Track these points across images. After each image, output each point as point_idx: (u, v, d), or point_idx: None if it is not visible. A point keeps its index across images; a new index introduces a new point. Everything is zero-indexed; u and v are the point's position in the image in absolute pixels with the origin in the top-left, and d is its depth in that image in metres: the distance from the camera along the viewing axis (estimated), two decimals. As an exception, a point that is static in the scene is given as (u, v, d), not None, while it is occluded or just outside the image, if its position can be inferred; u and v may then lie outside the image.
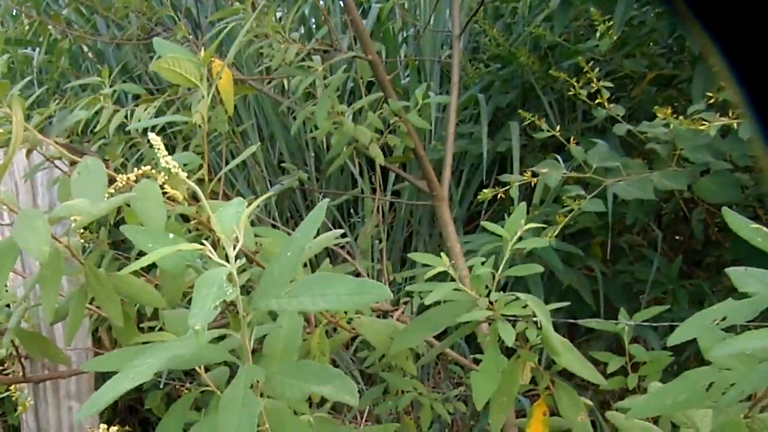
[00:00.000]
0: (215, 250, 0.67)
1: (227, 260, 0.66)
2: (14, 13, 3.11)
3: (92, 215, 0.79)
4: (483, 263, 0.94)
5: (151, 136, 0.69)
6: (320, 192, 2.48)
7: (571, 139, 1.86)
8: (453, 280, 0.91)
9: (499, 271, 0.93)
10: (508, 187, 1.84)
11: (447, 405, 1.61)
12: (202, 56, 0.91)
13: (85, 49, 2.88)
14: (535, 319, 0.95)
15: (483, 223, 0.99)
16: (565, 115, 2.60)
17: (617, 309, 2.25)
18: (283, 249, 0.71)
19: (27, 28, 2.94)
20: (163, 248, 0.63)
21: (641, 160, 2.05)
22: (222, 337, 0.73)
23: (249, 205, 0.72)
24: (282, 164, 2.18)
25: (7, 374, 1.28)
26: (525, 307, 0.90)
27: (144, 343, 0.81)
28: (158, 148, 0.67)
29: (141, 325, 1.45)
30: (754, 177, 1.89)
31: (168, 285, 0.89)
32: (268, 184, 2.60)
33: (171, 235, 0.71)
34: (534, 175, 1.84)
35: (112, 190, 0.87)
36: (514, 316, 0.90)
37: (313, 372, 0.66)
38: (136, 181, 0.86)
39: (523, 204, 0.97)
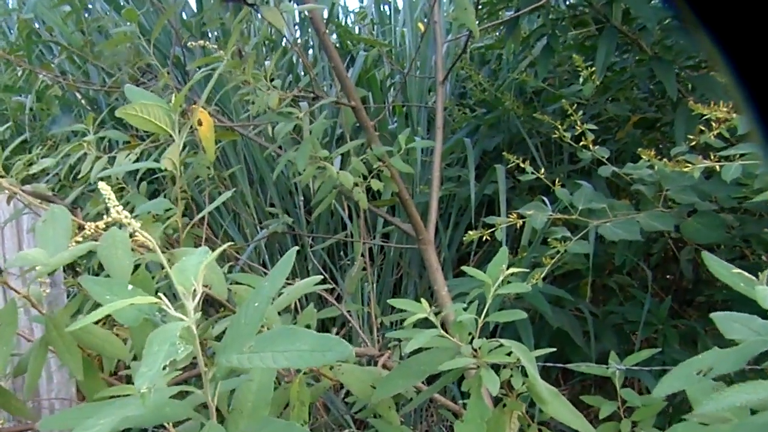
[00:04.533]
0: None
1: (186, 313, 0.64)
2: (7, 60, 3.14)
3: (49, 265, 0.77)
4: (466, 309, 0.93)
5: (101, 185, 0.67)
6: (309, 236, 2.48)
7: (556, 182, 1.87)
8: (435, 326, 0.90)
9: (482, 317, 0.92)
10: (494, 229, 1.84)
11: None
12: (173, 102, 0.91)
13: (78, 96, 2.91)
14: (520, 365, 0.93)
15: (464, 268, 0.99)
16: (551, 158, 2.63)
17: (609, 350, 2.24)
18: (251, 299, 0.69)
19: (19, 74, 2.97)
20: (117, 302, 0.61)
21: (628, 201, 2.06)
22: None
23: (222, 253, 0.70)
24: (270, 210, 2.18)
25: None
26: (510, 354, 0.89)
27: (111, 397, 0.79)
28: (108, 198, 0.66)
29: (119, 373, 1.43)
30: (740, 217, 1.90)
31: (135, 335, 0.87)
32: (258, 228, 2.60)
33: (130, 287, 0.69)
34: (520, 217, 1.84)
35: (80, 238, 0.86)
36: (499, 363, 0.89)
37: (274, 428, 0.64)
38: (105, 229, 0.85)
39: (505, 248, 0.97)
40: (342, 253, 2.66)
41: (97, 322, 0.97)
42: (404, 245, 2.18)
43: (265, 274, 1.99)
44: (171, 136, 0.90)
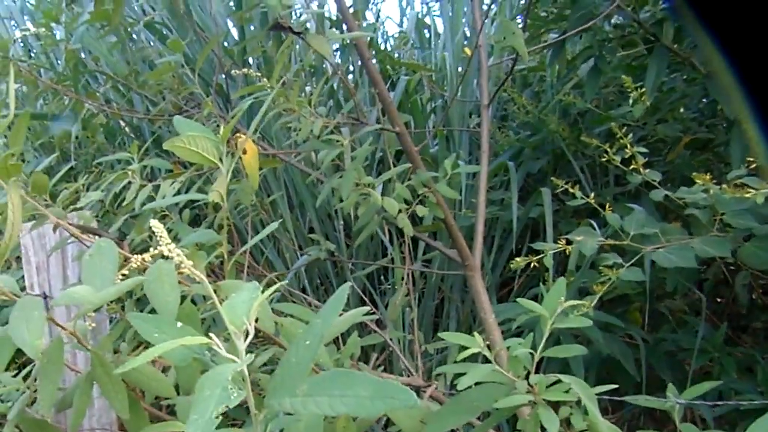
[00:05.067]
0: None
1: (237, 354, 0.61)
2: (55, 90, 3.21)
3: (94, 303, 0.76)
4: (520, 343, 0.89)
5: (153, 224, 0.65)
6: (349, 261, 2.45)
7: (607, 206, 1.81)
8: (488, 360, 0.86)
9: (539, 351, 0.88)
10: (542, 256, 1.79)
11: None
12: (222, 133, 0.90)
13: (123, 124, 2.95)
14: (578, 400, 0.88)
15: (519, 300, 0.94)
16: (597, 180, 2.57)
17: (661, 378, 2.16)
18: (302, 337, 0.66)
19: (66, 103, 3.03)
20: (167, 342, 0.58)
21: (678, 225, 1.99)
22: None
23: (269, 284, 0.67)
24: (311, 233, 2.17)
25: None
26: (568, 391, 0.84)
27: (156, 434, 0.76)
28: (160, 236, 0.64)
29: (162, 403, 1.41)
30: (801, 242, 1.82)
31: (181, 373, 0.85)
32: (298, 254, 2.58)
33: (179, 324, 0.67)
34: (568, 242, 1.78)
35: (126, 272, 0.84)
36: (558, 400, 0.84)
37: None
38: (152, 261, 0.83)
39: (563, 279, 0.93)
40: (383, 277, 2.63)
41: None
42: (446, 271, 2.14)
43: (306, 301, 1.97)
44: (215, 166, 0.89)
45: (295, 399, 0.58)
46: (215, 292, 0.84)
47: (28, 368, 1.21)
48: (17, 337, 0.76)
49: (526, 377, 0.87)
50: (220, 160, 0.89)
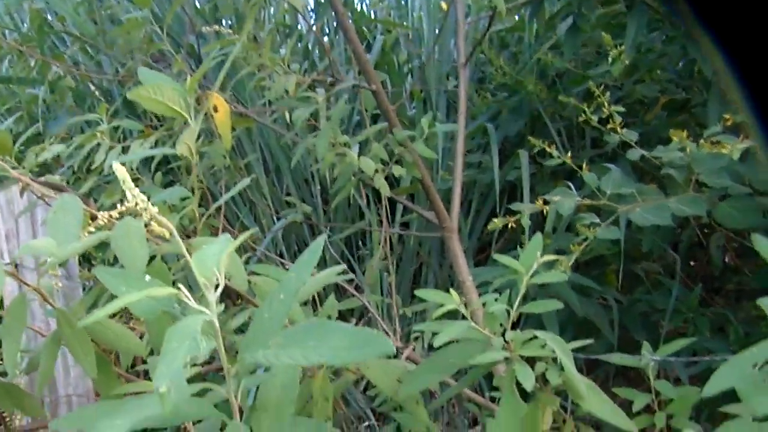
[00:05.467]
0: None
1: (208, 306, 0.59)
2: (20, 52, 3.11)
3: (59, 256, 0.73)
4: (497, 299, 0.88)
5: (115, 166, 0.62)
6: (326, 225, 2.43)
7: (584, 166, 1.81)
8: (465, 317, 0.85)
9: (515, 307, 0.87)
10: (519, 216, 1.78)
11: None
12: (188, 83, 0.86)
13: (92, 87, 2.87)
14: (554, 356, 0.88)
15: (495, 255, 0.93)
16: (573, 143, 2.56)
17: (634, 339, 2.18)
18: (275, 291, 0.64)
19: (32, 66, 2.94)
20: (134, 293, 0.56)
21: (654, 186, 2.00)
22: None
23: (244, 247, 0.65)
24: (287, 199, 2.14)
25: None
26: (544, 346, 0.84)
27: (127, 394, 0.75)
28: (123, 181, 0.61)
29: (137, 368, 1.39)
30: (776, 200, 1.83)
31: (153, 330, 0.82)
32: (275, 218, 2.56)
33: (147, 278, 0.64)
34: (546, 203, 1.78)
35: (93, 229, 0.81)
36: (534, 356, 0.84)
37: (307, 431, 0.59)
38: (119, 218, 0.81)
39: (539, 235, 0.92)
40: (360, 242, 2.61)
41: (112, 316, 0.93)
42: (424, 233, 2.12)
43: (283, 265, 1.95)
44: (186, 121, 0.85)
45: (268, 351, 0.56)
46: (187, 250, 0.82)
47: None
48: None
49: (503, 334, 0.86)
50: (188, 112, 0.86)
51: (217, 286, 0.59)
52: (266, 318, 0.60)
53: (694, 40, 1.87)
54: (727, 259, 2.45)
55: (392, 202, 2.42)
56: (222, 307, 0.58)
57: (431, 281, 2.63)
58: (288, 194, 2.61)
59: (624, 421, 0.87)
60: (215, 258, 0.60)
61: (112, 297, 1.44)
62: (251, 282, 0.89)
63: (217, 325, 0.58)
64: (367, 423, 2.02)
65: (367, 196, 2.55)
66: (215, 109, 1.07)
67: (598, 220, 1.72)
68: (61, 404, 1.80)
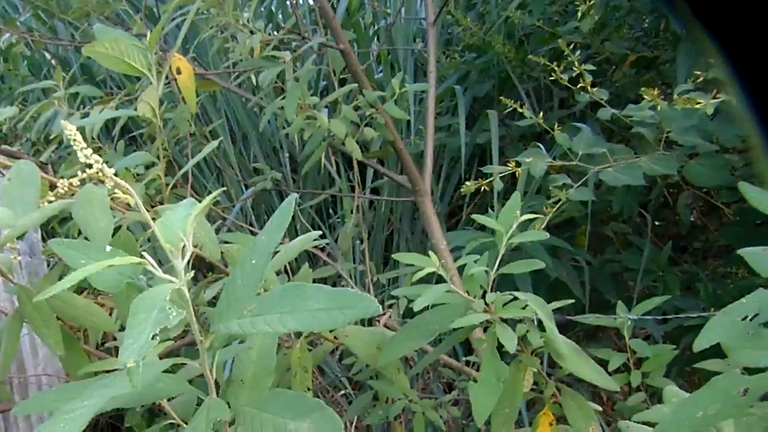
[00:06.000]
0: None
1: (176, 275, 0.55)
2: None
3: (17, 227, 0.68)
4: (476, 261, 0.86)
5: (63, 124, 0.57)
6: (297, 192, 2.39)
7: (556, 126, 1.79)
8: (443, 281, 0.83)
9: (494, 269, 0.85)
10: (491, 179, 1.76)
11: (440, 411, 1.53)
12: (148, 39, 0.81)
13: (47, 56, 2.76)
14: (533, 318, 0.87)
15: (474, 216, 0.91)
16: (542, 104, 2.54)
17: (605, 300, 2.20)
18: (247, 256, 0.61)
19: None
20: (94, 264, 0.52)
21: (623, 146, 1.99)
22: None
23: (214, 218, 0.62)
24: (255, 165, 2.09)
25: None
26: (525, 307, 0.82)
27: (97, 373, 0.71)
28: (74, 140, 0.56)
29: (107, 345, 1.35)
30: (744, 157, 1.84)
31: (121, 305, 0.78)
32: (243, 187, 2.50)
33: (108, 248, 0.60)
34: (518, 164, 1.76)
35: (53, 197, 0.77)
36: (513, 318, 0.82)
37: (288, 403, 0.55)
38: (80, 186, 0.76)
39: (517, 194, 0.89)
40: (331, 210, 2.58)
41: (80, 292, 0.89)
42: (396, 198, 2.10)
43: (254, 233, 1.91)
44: (143, 76, 0.80)
45: (244, 319, 0.53)
46: (153, 220, 0.78)
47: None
48: None
49: (483, 296, 0.84)
50: (149, 70, 0.81)
51: (184, 252, 0.55)
52: (239, 284, 0.57)
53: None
54: (693, 218, 2.48)
55: (362, 168, 2.39)
56: (192, 274, 0.55)
57: (403, 247, 2.61)
58: (256, 162, 2.56)
59: (606, 381, 0.86)
60: (181, 222, 0.56)
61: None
62: (224, 251, 0.85)
63: (187, 293, 0.54)
64: (342, 391, 2.01)
65: (337, 163, 2.51)
66: (178, 72, 1.02)
67: (570, 182, 1.71)
68: (31, 385, 1.74)
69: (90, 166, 0.55)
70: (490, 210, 2.40)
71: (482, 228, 2.49)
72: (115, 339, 1.45)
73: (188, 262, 0.55)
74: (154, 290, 0.51)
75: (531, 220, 1.66)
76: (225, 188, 1.91)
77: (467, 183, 1.73)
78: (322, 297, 0.53)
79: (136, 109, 1.03)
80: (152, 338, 0.46)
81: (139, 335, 0.46)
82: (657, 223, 2.56)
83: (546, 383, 0.90)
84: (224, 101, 2.47)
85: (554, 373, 0.93)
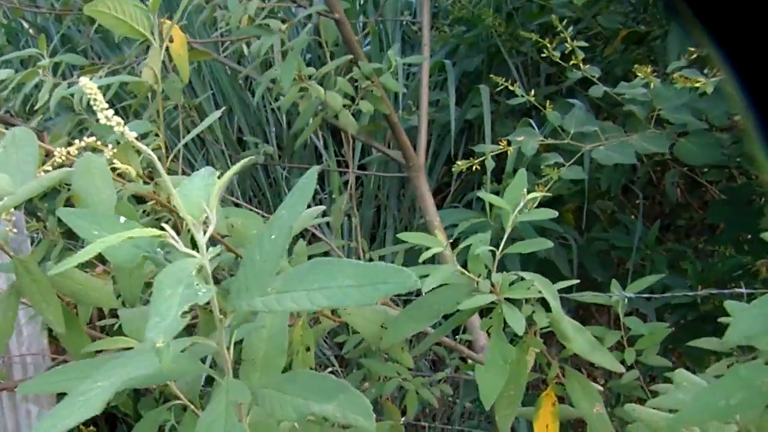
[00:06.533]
0: (178, 235, 0.54)
1: (196, 248, 0.53)
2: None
3: (16, 197, 0.64)
4: (481, 240, 0.84)
5: (82, 81, 0.53)
6: (284, 167, 2.35)
7: (548, 104, 1.78)
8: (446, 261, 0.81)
9: (500, 249, 0.83)
10: (483, 158, 1.74)
11: (433, 389, 1.53)
12: (151, 2, 0.77)
13: (26, 25, 2.67)
14: (537, 298, 0.85)
15: (481, 194, 0.90)
16: (529, 79, 2.52)
17: (592, 278, 2.20)
18: (265, 231, 0.58)
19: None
20: (112, 236, 0.50)
21: (611, 123, 1.98)
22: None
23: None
24: (244, 139, 2.04)
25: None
26: (529, 288, 0.81)
27: (98, 352, 0.68)
28: (95, 99, 0.52)
29: (99, 323, 1.32)
30: (733, 136, 1.84)
31: (124, 280, 0.75)
32: (229, 162, 2.46)
33: (122, 219, 0.57)
34: (509, 143, 1.75)
35: (49, 168, 0.73)
36: (519, 299, 0.81)
37: (310, 384, 0.53)
38: (78, 156, 0.72)
39: (523, 171, 0.88)
40: (319, 187, 2.55)
41: (80, 266, 0.86)
42: (388, 174, 2.07)
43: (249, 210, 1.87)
44: (144, 40, 0.76)
45: (268, 297, 0.50)
46: (153, 191, 0.75)
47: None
48: None
49: (488, 276, 0.83)
50: (152, 33, 0.77)
51: (206, 225, 0.52)
52: (258, 260, 0.54)
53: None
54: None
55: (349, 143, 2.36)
56: (218, 250, 0.52)
57: (390, 224, 2.60)
58: (240, 137, 2.51)
59: (611, 362, 0.86)
60: (203, 192, 0.53)
61: (66, 248, 1.34)
62: (229, 225, 0.82)
63: (209, 269, 0.51)
64: (330, 369, 2.00)
65: (324, 138, 2.47)
66: (170, 40, 0.98)
67: (561, 160, 1.70)
68: (15, 365, 1.71)
69: (98, 140, 0.51)
70: (477, 188, 2.39)
71: (468, 206, 2.49)
72: (100, 318, 1.41)
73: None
74: (178, 265, 0.48)
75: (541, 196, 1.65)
76: (223, 174, 1.86)
77: (458, 163, 1.71)
78: (354, 272, 0.50)
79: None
80: (181, 315, 0.43)
81: (166, 313, 0.43)
82: (638, 201, 2.57)
83: (549, 365, 0.89)
84: (210, 73, 2.42)
85: (550, 354, 0.92)
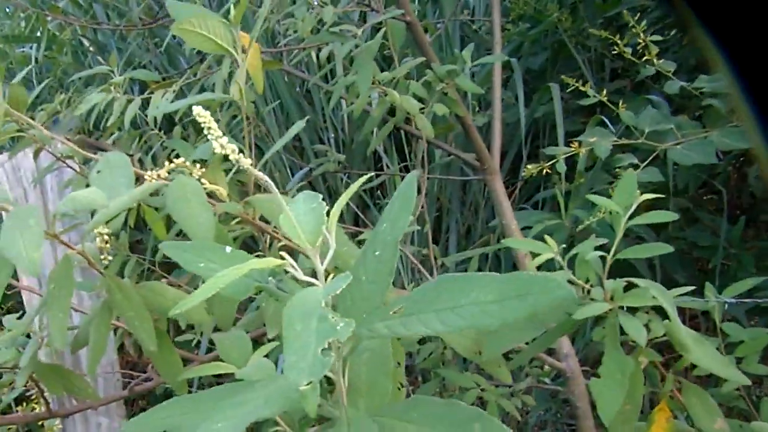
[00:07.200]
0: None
1: (315, 277, 0.48)
2: (8, 11, 2.95)
3: (109, 210, 0.61)
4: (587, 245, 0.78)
5: (197, 110, 0.51)
6: (344, 173, 2.32)
7: (620, 103, 1.70)
8: (560, 268, 0.76)
9: (611, 253, 0.77)
10: (554, 161, 1.67)
11: (513, 399, 1.47)
12: (233, 15, 0.74)
13: (86, 43, 2.72)
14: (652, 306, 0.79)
15: (589, 196, 0.84)
16: (594, 74, 2.44)
17: (672, 279, 2.10)
18: (367, 248, 0.53)
19: (23, 24, 2.78)
20: (231, 271, 0.45)
21: (688, 119, 1.89)
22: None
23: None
24: (315, 147, 2.02)
25: (33, 408, 1.13)
26: (646, 295, 0.75)
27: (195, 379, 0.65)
28: (209, 127, 0.50)
29: (175, 340, 1.31)
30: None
31: (218, 304, 0.72)
32: (289, 171, 2.44)
33: (228, 249, 0.53)
34: (580, 144, 1.67)
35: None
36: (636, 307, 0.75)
37: (435, 412, 0.47)
38: (169, 177, 0.70)
39: (632, 171, 0.82)
40: (379, 192, 2.51)
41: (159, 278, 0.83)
42: (459, 178, 2.02)
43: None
44: (227, 54, 0.73)
45: (392, 320, 0.45)
46: (245, 211, 0.72)
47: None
48: (11, 252, 0.61)
49: (600, 284, 0.77)
50: (235, 48, 0.74)
51: (325, 253, 0.48)
52: (364, 281, 0.50)
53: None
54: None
55: (410, 145, 2.32)
56: (348, 276, 0.47)
57: (453, 229, 2.54)
58: (298, 144, 2.50)
59: (734, 374, 0.79)
60: (316, 216, 0.49)
61: (138, 264, 1.32)
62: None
63: (330, 300, 0.46)
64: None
65: (384, 144, 2.43)
66: (243, 51, 0.96)
67: (636, 161, 1.62)
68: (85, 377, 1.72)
69: (226, 157, 0.48)
70: (542, 188, 2.32)
71: (535, 207, 2.41)
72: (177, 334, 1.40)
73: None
74: (303, 296, 0.44)
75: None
76: (283, 184, 1.84)
77: (528, 166, 1.65)
78: (491, 285, 0.44)
79: (203, 91, 0.97)
80: (322, 353, 0.38)
81: (303, 350, 0.38)
82: (710, 197, 2.46)
83: (663, 378, 0.83)
84: (267, 82, 2.41)
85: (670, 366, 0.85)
